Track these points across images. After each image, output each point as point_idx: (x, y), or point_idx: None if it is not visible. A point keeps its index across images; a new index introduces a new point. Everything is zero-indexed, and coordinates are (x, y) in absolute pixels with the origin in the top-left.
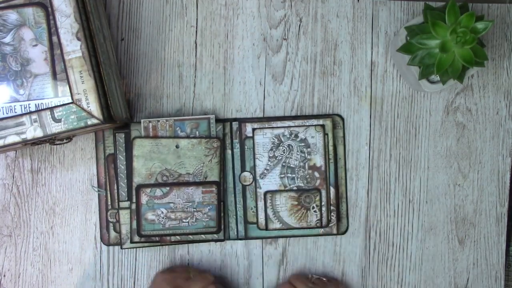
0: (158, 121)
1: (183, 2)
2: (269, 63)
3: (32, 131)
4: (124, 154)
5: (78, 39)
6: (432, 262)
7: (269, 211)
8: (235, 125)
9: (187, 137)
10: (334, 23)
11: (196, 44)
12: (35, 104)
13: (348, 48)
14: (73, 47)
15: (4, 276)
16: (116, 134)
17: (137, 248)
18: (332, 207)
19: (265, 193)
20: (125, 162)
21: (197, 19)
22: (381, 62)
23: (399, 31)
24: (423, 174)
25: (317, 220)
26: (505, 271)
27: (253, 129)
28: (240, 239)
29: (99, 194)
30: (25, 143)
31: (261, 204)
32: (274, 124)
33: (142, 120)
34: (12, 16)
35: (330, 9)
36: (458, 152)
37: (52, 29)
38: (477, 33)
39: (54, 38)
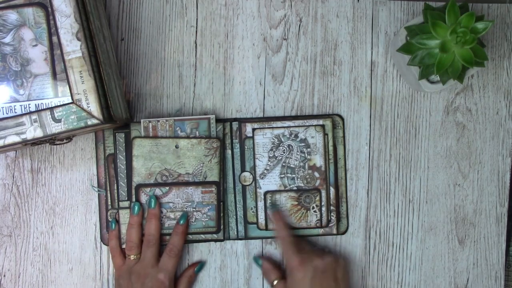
0: (158, 121)
1: (183, 2)
2: (269, 63)
3: (32, 131)
4: (124, 154)
5: (78, 39)
6: (432, 262)
7: (269, 211)
8: (235, 125)
9: (187, 137)
10: (334, 23)
11: (196, 44)
12: (35, 104)
13: (348, 48)
14: (73, 47)
15: (4, 276)
16: (116, 134)
17: None
18: (332, 207)
19: (265, 193)
20: (125, 162)
21: (197, 19)
22: (381, 62)
23: (399, 31)
24: (423, 174)
25: (317, 220)
26: (505, 271)
27: (253, 129)
28: (240, 239)
29: (99, 194)
30: (25, 143)
31: (261, 204)
32: (274, 124)
33: (142, 120)
34: (12, 16)
35: (330, 9)
36: (458, 152)
37: (52, 29)
38: (477, 33)
39: (54, 38)
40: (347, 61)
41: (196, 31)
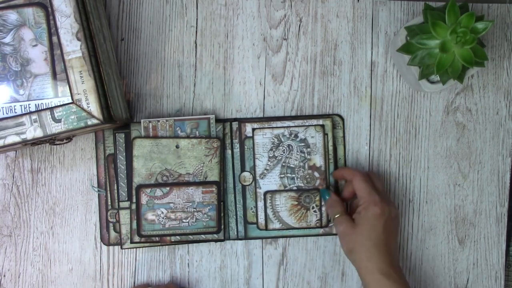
0: (158, 121)
1: (183, 2)
2: (269, 63)
3: (32, 131)
4: (124, 154)
5: (78, 39)
6: (432, 262)
7: (269, 211)
8: (235, 125)
9: (187, 137)
10: (334, 23)
11: (196, 44)
12: (35, 104)
13: (348, 48)
14: (73, 47)
15: (4, 276)
16: (116, 134)
17: (137, 248)
18: None
19: (265, 193)
20: (125, 162)
21: (197, 19)
22: (381, 62)
23: (399, 31)
24: (423, 174)
25: (317, 220)
26: (505, 271)
27: (253, 129)
28: (240, 239)
29: (99, 194)
30: (25, 143)
31: (260, 204)
32: (274, 124)
33: (142, 120)
34: (12, 16)
35: (330, 9)
36: (458, 152)
37: (52, 29)
38: (477, 33)
39: (54, 38)
40: (347, 61)
41: (196, 31)
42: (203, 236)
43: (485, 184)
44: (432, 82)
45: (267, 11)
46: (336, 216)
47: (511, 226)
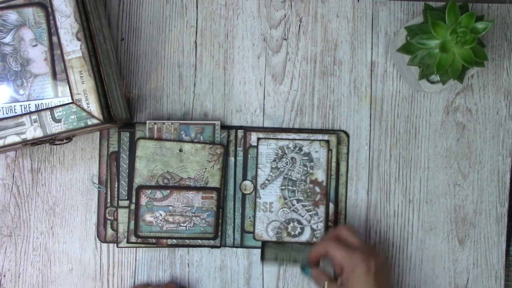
0: (164, 123)
1: (183, 2)
2: (269, 63)
3: (32, 131)
4: (128, 153)
5: (78, 39)
6: (432, 262)
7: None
8: (240, 133)
9: (191, 141)
10: (334, 23)
11: (196, 44)
12: (35, 104)
13: (348, 48)
14: (73, 47)
15: (4, 276)
16: (121, 132)
17: (137, 248)
18: (330, 223)
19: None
20: (127, 161)
21: (197, 19)
22: (381, 62)
23: (399, 31)
24: (423, 174)
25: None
26: (505, 271)
27: (258, 139)
28: (236, 247)
29: (99, 191)
30: (25, 143)
31: (259, 214)
32: (279, 135)
33: (147, 122)
34: (12, 16)
35: (330, 9)
36: (458, 152)
37: (52, 29)
38: (477, 33)
39: (54, 38)
40: (347, 61)
41: (196, 31)
42: (199, 241)
43: (485, 184)
44: (432, 82)
45: (267, 11)
46: (326, 285)
47: (511, 226)
